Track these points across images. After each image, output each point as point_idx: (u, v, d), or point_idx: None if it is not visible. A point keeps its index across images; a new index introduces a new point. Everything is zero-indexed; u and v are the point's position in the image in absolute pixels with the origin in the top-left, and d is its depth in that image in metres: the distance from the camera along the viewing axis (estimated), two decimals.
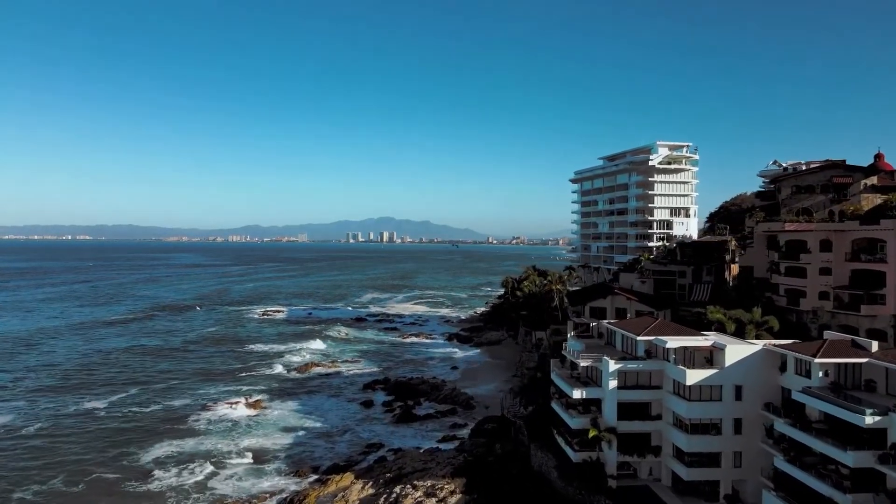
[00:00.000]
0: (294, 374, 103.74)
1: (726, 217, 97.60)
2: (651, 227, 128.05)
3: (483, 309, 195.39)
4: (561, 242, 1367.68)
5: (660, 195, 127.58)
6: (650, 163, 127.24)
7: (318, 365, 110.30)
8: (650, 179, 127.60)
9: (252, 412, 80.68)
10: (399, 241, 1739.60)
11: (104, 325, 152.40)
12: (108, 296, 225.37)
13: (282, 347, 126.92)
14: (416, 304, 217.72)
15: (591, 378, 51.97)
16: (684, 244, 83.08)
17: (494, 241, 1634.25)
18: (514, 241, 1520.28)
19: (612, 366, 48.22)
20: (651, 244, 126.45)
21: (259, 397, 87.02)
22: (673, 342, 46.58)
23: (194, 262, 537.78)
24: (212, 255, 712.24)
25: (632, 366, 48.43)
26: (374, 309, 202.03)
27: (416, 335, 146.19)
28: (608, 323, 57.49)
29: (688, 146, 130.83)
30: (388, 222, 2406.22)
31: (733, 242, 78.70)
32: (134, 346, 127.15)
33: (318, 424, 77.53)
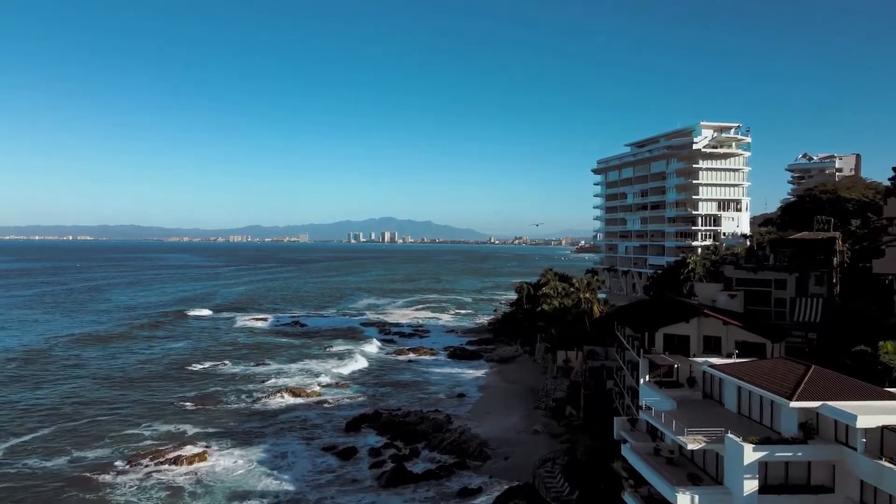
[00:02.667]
0: (261, 405, 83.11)
1: (813, 208, 77.04)
2: (695, 224, 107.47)
3: (491, 317, 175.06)
4: (563, 242, 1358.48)
5: (706, 185, 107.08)
6: (694, 146, 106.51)
7: (294, 392, 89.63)
8: (694, 166, 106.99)
9: (192, 468, 60.10)
10: (401, 241, 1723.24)
11: (49, 339, 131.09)
12: (76, 301, 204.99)
13: (253, 368, 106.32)
14: (416, 310, 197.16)
15: (701, 466, 31.44)
16: (779, 241, 62.08)
17: (496, 241, 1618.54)
18: (517, 241, 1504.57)
19: (749, 453, 27.72)
20: (695, 243, 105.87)
21: (206, 445, 66.32)
22: (864, 415, 26.06)
23: (188, 262, 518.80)
24: (209, 255, 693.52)
25: (784, 453, 27.89)
26: (369, 316, 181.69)
27: (416, 350, 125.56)
28: (713, 367, 36.63)
29: (737, 127, 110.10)
30: (389, 222, 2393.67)
31: (839, 241, 58.24)
32: (71, 365, 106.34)
33: (281, 486, 57.12)
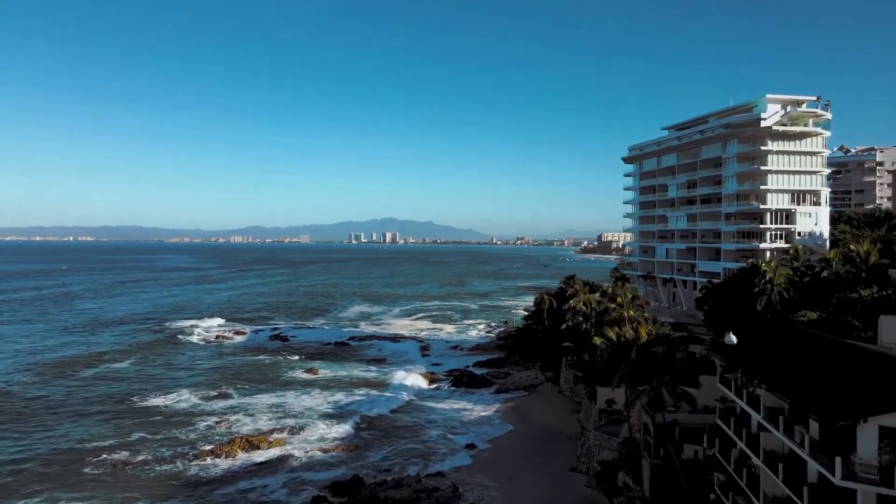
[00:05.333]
0: (200, 468, 61.37)
1: None
2: (762, 221, 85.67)
3: (501, 327, 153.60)
4: (566, 243, 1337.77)
5: (776, 172, 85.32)
6: (762, 123, 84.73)
7: (251, 442, 68.04)
8: (762, 149, 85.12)
9: None
10: (402, 241, 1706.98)
11: None
12: (36, 311, 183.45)
13: (208, 403, 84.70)
14: (414, 319, 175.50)
15: None
16: None
17: (498, 242, 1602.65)
18: (519, 242, 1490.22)
19: None
20: (763, 245, 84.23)
21: None
22: None
23: (180, 264, 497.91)
24: (205, 256, 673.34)
25: None
26: (361, 327, 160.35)
27: (411, 373, 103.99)
28: None
29: (814, 100, 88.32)
30: (391, 223, 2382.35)
31: None
32: None
33: None
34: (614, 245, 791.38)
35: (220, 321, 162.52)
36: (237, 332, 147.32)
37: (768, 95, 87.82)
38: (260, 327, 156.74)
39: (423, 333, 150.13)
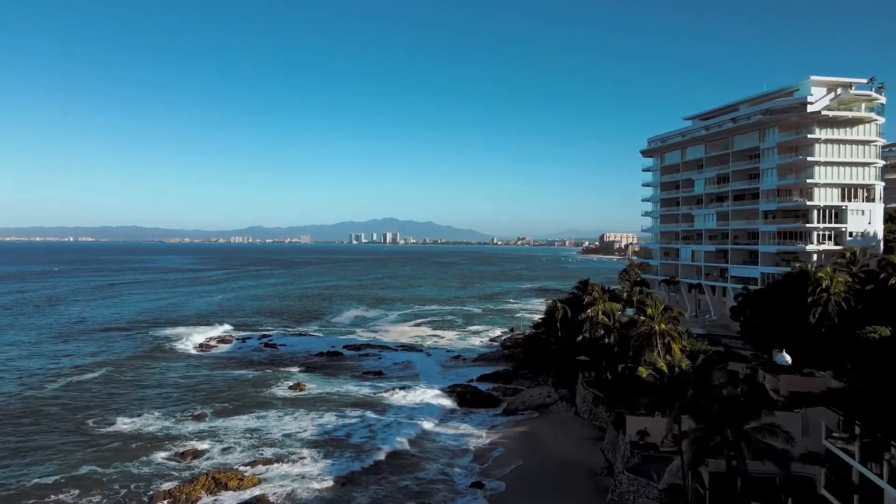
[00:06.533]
0: None
1: None
2: (808, 219, 75.26)
3: (506, 334, 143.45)
4: (567, 243, 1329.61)
5: (825, 164, 74.70)
6: (809, 108, 74.25)
7: (219, 482, 57.58)
8: (809, 137, 74.62)
9: None
10: (402, 242, 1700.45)
11: None
12: (16, 314, 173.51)
13: (176, 426, 74.10)
14: (413, 325, 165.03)
15: None
16: None
17: (499, 242, 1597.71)
18: (520, 242, 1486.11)
19: None
20: (810, 247, 73.80)
21: None
22: None
23: (175, 265, 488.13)
24: (203, 257, 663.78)
25: None
26: (357, 334, 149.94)
27: (409, 388, 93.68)
28: None
29: (866, 82, 77.79)
30: (391, 223, 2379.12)
31: None
32: None
33: None
34: (617, 245, 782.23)
35: (207, 328, 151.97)
36: (222, 341, 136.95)
37: (812, 77, 77.34)
38: (248, 334, 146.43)
39: (422, 341, 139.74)
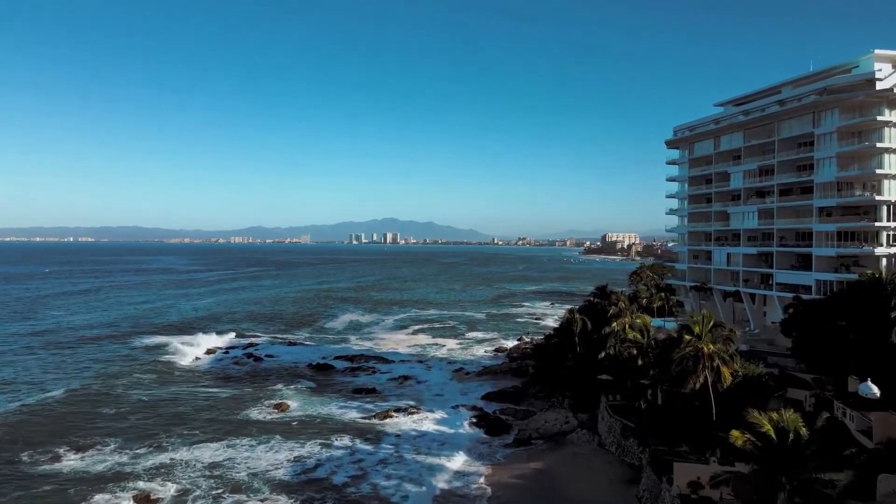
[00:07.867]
0: None
1: None
2: (875, 217, 63.74)
3: (512, 343, 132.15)
4: (568, 243, 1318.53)
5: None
6: (878, 85, 62.77)
7: None
8: (879, 119, 63.11)
9: None
10: (403, 242, 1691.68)
11: None
12: None
13: (125, 461, 62.64)
14: (411, 333, 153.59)
15: None
16: None
17: (500, 242, 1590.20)
18: (520, 242, 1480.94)
19: None
20: (879, 251, 62.28)
21: None
22: None
23: (170, 265, 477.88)
24: (200, 257, 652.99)
25: None
26: (351, 342, 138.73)
27: (407, 410, 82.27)
28: None
29: None
30: (392, 223, 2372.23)
31: None
32: None
33: None
34: (619, 246, 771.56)
35: (189, 336, 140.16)
36: (208, 351, 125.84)
37: (876, 51, 66.02)
38: (233, 343, 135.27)
39: (422, 351, 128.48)
